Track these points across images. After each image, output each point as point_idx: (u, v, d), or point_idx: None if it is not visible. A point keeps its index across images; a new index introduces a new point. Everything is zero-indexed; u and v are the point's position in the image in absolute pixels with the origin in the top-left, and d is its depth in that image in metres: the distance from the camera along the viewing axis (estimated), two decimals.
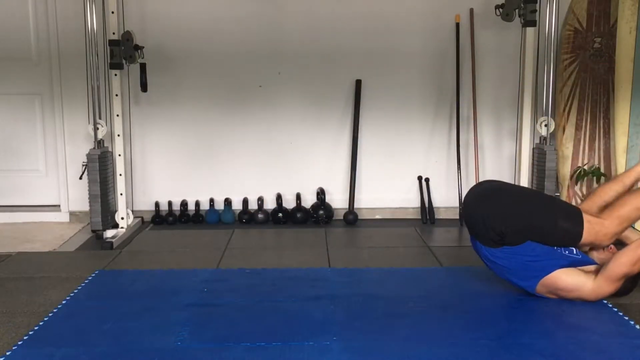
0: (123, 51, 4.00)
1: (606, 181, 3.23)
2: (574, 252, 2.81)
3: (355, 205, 4.56)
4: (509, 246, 2.76)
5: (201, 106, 4.55)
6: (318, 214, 4.44)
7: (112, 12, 4.05)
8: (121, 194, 4.18)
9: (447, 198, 4.60)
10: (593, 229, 2.75)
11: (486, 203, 2.85)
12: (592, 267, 2.79)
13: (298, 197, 4.54)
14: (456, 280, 3.19)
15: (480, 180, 4.46)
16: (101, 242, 3.90)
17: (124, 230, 4.13)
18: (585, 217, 2.77)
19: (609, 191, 2.93)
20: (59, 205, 4.63)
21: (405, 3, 4.45)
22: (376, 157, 4.59)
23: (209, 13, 4.45)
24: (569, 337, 2.44)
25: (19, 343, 2.41)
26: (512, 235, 2.74)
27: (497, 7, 4.05)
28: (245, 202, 4.55)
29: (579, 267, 2.77)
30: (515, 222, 2.75)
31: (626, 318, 2.63)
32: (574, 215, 2.78)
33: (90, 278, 3.21)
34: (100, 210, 3.98)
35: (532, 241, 2.76)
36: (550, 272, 2.73)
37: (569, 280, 2.73)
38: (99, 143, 4.03)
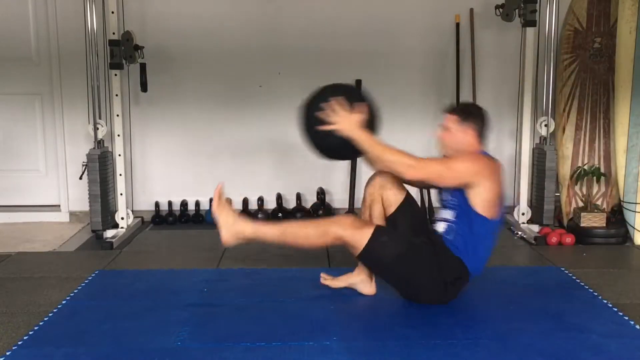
0: (123, 51, 4.00)
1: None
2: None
3: (356, 205, 4.55)
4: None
5: (201, 106, 4.55)
6: (318, 214, 4.44)
7: (112, 12, 4.05)
8: (121, 194, 4.18)
9: None
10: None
11: None
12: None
13: (298, 197, 4.54)
14: None
15: None
16: (101, 242, 3.90)
17: (124, 230, 4.13)
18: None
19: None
20: (59, 205, 4.63)
21: (406, 3, 4.46)
22: None
23: (209, 13, 4.46)
24: (569, 337, 2.44)
25: (19, 343, 2.41)
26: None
27: (497, 7, 4.05)
28: (245, 202, 4.56)
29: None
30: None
31: (626, 318, 2.63)
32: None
33: (90, 278, 3.21)
34: (100, 210, 3.98)
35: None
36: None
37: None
38: (99, 143, 4.03)
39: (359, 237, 2.61)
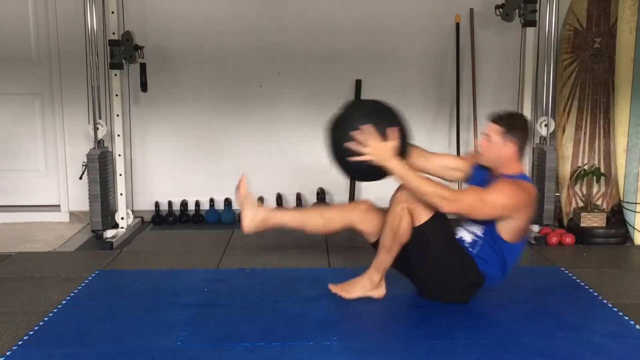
0: (123, 51, 4.00)
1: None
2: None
3: None
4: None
5: (201, 106, 4.55)
6: None
7: (112, 12, 4.05)
8: (121, 194, 4.17)
9: None
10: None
11: None
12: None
13: (298, 197, 4.54)
14: None
15: None
16: (101, 242, 3.90)
17: (124, 230, 4.13)
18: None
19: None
20: (59, 205, 4.63)
21: (405, 3, 4.45)
22: None
23: (209, 13, 4.46)
24: (569, 337, 2.44)
25: (19, 343, 2.41)
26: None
27: (497, 7, 4.05)
28: None
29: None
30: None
31: (626, 318, 2.64)
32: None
33: (90, 278, 3.21)
34: (100, 210, 3.98)
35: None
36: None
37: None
38: (99, 143, 4.02)
39: (419, 213, 2.62)
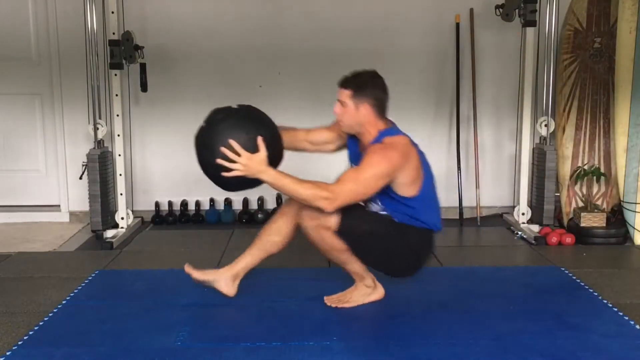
0: (123, 51, 4.00)
1: None
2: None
3: None
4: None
5: (201, 106, 4.47)
6: None
7: (112, 12, 4.05)
8: (121, 194, 4.17)
9: (447, 198, 4.58)
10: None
11: None
12: None
13: None
14: (456, 280, 3.19)
15: (480, 181, 4.47)
16: (101, 242, 3.90)
17: (124, 230, 4.13)
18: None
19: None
20: (59, 205, 4.63)
21: (406, 3, 4.45)
22: None
23: (209, 13, 4.45)
24: (569, 337, 2.44)
25: (19, 343, 2.41)
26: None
27: (497, 7, 4.05)
28: (245, 202, 4.55)
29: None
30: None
31: (626, 318, 2.63)
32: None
33: (90, 278, 3.21)
34: (100, 210, 3.98)
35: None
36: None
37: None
38: (99, 143, 4.03)
39: (327, 220, 2.55)
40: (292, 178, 2.52)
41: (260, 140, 2.53)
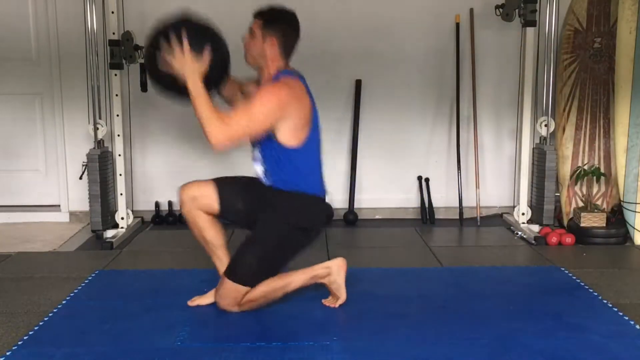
0: (123, 51, 4.00)
1: None
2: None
3: (355, 205, 4.56)
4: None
5: None
6: None
7: (112, 12, 4.05)
8: (121, 194, 4.17)
9: (447, 198, 4.60)
10: None
11: None
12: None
13: None
14: (456, 280, 3.19)
15: (480, 181, 4.47)
16: (101, 242, 3.90)
17: (124, 230, 4.13)
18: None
19: None
20: (59, 205, 4.63)
21: (406, 3, 4.45)
22: (376, 157, 4.59)
23: (208, 13, 4.42)
24: (569, 337, 2.44)
25: (19, 343, 2.41)
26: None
27: (497, 7, 4.05)
28: None
29: None
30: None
31: (626, 318, 2.63)
32: None
33: (90, 278, 3.21)
34: (100, 210, 3.98)
35: None
36: None
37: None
38: (99, 143, 4.03)
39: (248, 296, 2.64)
40: (208, 98, 2.50)
41: (206, 52, 2.56)
